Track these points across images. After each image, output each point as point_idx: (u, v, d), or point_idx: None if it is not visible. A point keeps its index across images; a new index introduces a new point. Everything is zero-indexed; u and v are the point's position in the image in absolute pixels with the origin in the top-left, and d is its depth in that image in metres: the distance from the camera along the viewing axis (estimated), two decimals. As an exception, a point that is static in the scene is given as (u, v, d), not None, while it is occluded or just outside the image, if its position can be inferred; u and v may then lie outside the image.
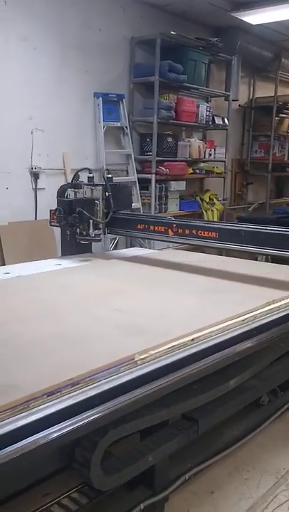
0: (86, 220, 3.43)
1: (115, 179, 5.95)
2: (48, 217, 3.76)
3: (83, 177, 3.73)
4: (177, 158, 6.40)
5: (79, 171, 3.71)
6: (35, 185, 5.03)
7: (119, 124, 5.88)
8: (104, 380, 1.65)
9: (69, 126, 5.42)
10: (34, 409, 1.44)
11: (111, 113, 5.80)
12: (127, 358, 1.78)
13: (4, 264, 4.50)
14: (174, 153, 6.37)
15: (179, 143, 6.44)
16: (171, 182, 6.38)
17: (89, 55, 5.50)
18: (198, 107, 6.51)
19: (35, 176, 5.03)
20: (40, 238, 4.80)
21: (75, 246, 3.65)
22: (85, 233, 3.48)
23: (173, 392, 1.85)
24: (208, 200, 7.02)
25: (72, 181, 3.68)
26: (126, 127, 5.92)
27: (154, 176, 6.01)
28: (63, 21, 5.18)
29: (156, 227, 3.36)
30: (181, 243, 3.32)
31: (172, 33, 5.76)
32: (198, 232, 3.08)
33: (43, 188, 5.07)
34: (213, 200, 7.06)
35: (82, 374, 1.62)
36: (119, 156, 6.04)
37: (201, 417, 2.10)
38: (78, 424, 1.49)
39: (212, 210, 6.98)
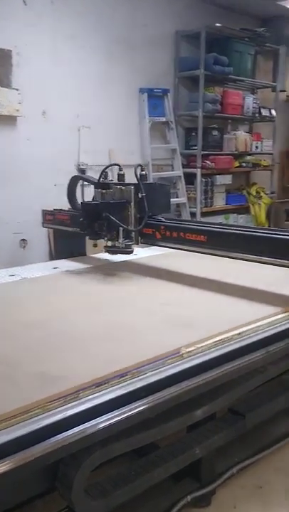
0: (115, 228, 2.83)
1: (161, 174, 6.04)
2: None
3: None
4: (223, 152, 6.34)
5: (107, 167, 3.06)
6: (82, 182, 5.11)
7: (164, 119, 5.89)
8: (151, 373, 1.67)
9: (115, 122, 5.48)
10: (83, 399, 1.48)
11: (156, 108, 5.83)
12: (173, 351, 1.80)
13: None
14: (220, 147, 6.32)
15: (224, 136, 6.38)
16: (217, 176, 6.33)
17: (134, 51, 5.53)
18: (244, 99, 6.43)
19: (82, 172, 5.13)
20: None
21: (67, 247, 3.29)
22: (114, 244, 2.90)
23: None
24: (255, 194, 6.92)
25: (99, 180, 3.04)
26: (171, 122, 5.92)
27: (199, 170, 5.99)
28: (109, 18, 5.24)
29: (143, 229, 2.91)
30: (169, 247, 2.89)
31: (217, 25, 5.70)
32: (186, 235, 2.69)
33: (88, 185, 5.15)
34: (260, 193, 6.96)
35: (129, 366, 1.65)
36: (165, 151, 6.05)
37: (249, 411, 2.09)
38: (123, 416, 1.52)
39: (259, 204, 6.87)
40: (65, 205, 3.83)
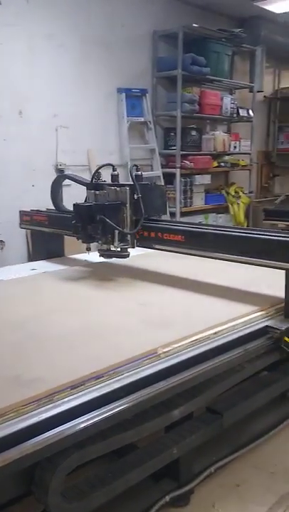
0: (110, 231, 2.70)
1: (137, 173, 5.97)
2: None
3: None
4: (202, 152, 6.37)
5: (101, 167, 2.93)
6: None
7: (142, 119, 5.88)
8: (127, 374, 1.67)
9: (93, 122, 5.45)
10: (58, 402, 1.47)
11: (135, 108, 5.82)
12: (150, 352, 1.80)
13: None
14: (199, 147, 6.34)
15: (203, 136, 6.41)
16: (196, 176, 6.35)
17: (112, 50, 5.51)
18: (222, 99, 6.46)
19: (61, 172, 5.09)
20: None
21: (45, 248, 3.39)
22: (109, 247, 2.79)
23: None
24: (233, 194, 6.96)
25: (92, 180, 2.92)
26: (150, 122, 5.92)
27: (178, 170, 6.00)
28: (87, 18, 5.21)
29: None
30: (147, 247, 2.84)
31: (194, 25, 5.72)
32: (164, 235, 2.68)
33: (69, 185, 5.10)
34: (238, 193, 7.00)
35: (105, 367, 1.65)
36: (144, 151, 6.05)
37: (226, 410, 2.10)
38: (99, 418, 1.51)
39: (238, 204, 6.92)
40: (42, 205, 3.82)
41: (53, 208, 3.45)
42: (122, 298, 2.51)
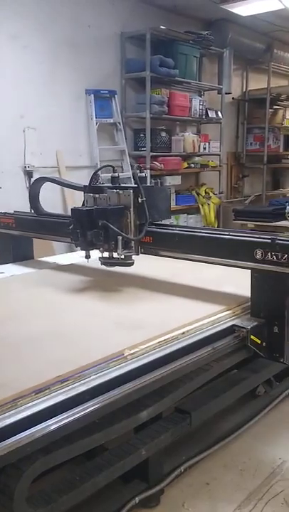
0: (113, 237, 2.49)
1: (108, 176, 5.96)
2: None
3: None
4: (171, 153, 6.39)
5: (100, 169, 2.75)
6: (29, 184, 5.03)
7: (112, 121, 5.87)
8: (94, 376, 1.66)
9: (61, 123, 5.42)
10: (22, 407, 1.45)
11: (103, 109, 5.80)
12: (117, 354, 1.80)
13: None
14: (168, 148, 6.37)
15: (172, 137, 6.43)
16: (166, 177, 6.38)
17: (79, 51, 5.49)
18: (191, 101, 6.50)
19: (29, 174, 5.04)
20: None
21: (13, 251, 3.38)
22: (111, 255, 2.60)
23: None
24: (204, 194, 7.02)
25: (90, 183, 2.71)
26: (119, 123, 5.92)
27: (148, 171, 6.01)
28: (53, 19, 5.17)
29: None
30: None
31: (162, 27, 5.75)
32: None
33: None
34: (209, 193, 7.06)
35: (71, 371, 1.64)
36: (113, 152, 6.04)
37: (194, 409, 2.11)
38: (65, 421, 1.50)
39: (208, 204, 6.98)
40: (10, 208, 3.76)
41: (22, 210, 3.42)
42: (90, 300, 2.49)
